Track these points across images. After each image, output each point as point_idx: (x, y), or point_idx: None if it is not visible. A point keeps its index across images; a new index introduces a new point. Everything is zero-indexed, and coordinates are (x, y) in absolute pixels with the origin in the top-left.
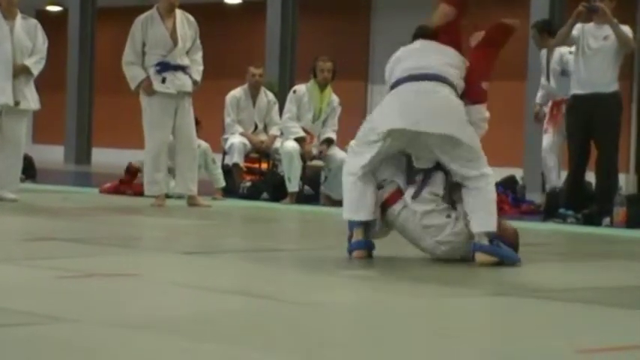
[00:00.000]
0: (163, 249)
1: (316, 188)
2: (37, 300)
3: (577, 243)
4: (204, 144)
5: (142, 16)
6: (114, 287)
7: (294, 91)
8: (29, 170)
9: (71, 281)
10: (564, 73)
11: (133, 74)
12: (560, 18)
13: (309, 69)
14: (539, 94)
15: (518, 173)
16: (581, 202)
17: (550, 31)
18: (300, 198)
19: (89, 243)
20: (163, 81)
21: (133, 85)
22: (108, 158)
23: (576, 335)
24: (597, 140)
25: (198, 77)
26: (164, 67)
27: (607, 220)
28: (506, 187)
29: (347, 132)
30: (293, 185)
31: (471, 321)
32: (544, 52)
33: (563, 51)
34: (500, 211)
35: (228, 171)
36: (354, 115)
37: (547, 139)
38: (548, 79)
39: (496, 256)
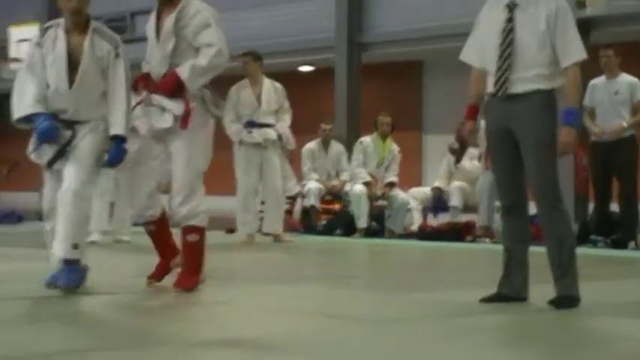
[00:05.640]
0: (253, 280)
1: (381, 224)
2: (150, 321)
3: (605, 265)
4: None
5: (236, 84)
6: (210, 313)
7: (361, 142)
8: None
9: (170, 309)
10: None
11: (236, 129)
12: None
13: (372, 123)
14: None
15: None
16: (609, 229)
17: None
18: (368, 232)
19: None
20: (249, 132)
21: (237, 139)
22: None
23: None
24: (618, 178)
25: (282, 131)
26: (250, 124)
27: (632, 243)
28: None
29: (406, 175)
30: (362, 222)
31: (503, 335)
32: None
33: None
34: (536, 239)
35: (306, 211)
36: (411, 160)
37: (486, 176)
38: None
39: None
